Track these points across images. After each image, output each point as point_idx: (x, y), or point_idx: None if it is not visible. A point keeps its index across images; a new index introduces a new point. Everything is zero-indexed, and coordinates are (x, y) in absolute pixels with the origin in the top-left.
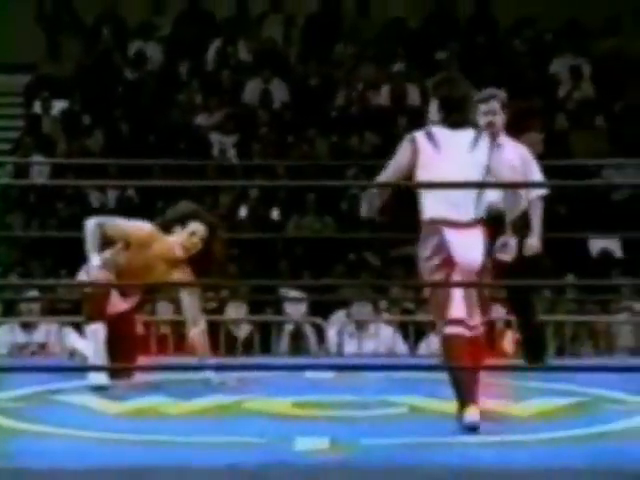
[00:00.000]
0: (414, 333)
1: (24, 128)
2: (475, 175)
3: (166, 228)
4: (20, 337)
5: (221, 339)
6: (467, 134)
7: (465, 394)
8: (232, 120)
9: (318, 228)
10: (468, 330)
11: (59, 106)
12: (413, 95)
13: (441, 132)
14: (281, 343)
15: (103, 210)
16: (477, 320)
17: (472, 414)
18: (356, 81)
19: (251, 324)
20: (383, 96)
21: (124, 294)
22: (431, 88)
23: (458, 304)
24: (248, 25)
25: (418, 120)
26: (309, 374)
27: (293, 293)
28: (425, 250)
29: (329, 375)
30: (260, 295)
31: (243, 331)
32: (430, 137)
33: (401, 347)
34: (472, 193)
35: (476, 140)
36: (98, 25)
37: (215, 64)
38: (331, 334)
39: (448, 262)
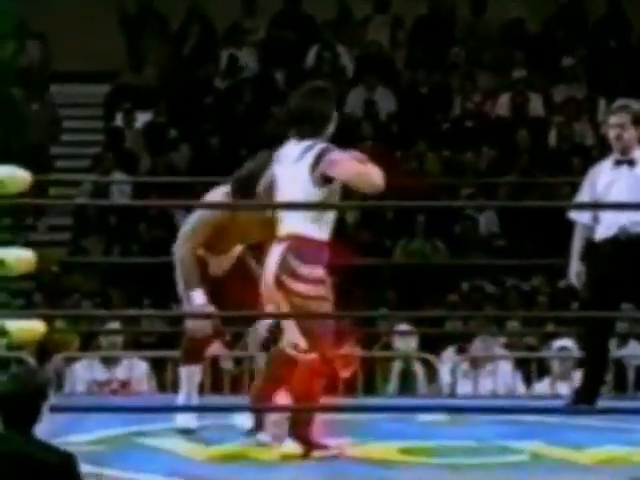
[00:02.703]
0: (537, 371)
1: (104, 143)
2: (296, 188)
3: None
4: (100, 373)
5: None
6: (301, 146)
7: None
8: (333, 133)
9: (428, 253)
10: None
11: (142, 118)
12: (535, 105)
13: (288, 145)
14: (388, 382)
15: None
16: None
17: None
18: (471, 89)
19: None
20: (502, 106)
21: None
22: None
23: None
24: (351, 28)
25: (540, 132)
26: (419, 417)
27: (401, 326)
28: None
29: (441, 418)
30: (364, 328)
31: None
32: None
33: (521, 387)
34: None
35: (305, 152)
36: (185, 29)
37: (314, 71)
38: (443, 372)
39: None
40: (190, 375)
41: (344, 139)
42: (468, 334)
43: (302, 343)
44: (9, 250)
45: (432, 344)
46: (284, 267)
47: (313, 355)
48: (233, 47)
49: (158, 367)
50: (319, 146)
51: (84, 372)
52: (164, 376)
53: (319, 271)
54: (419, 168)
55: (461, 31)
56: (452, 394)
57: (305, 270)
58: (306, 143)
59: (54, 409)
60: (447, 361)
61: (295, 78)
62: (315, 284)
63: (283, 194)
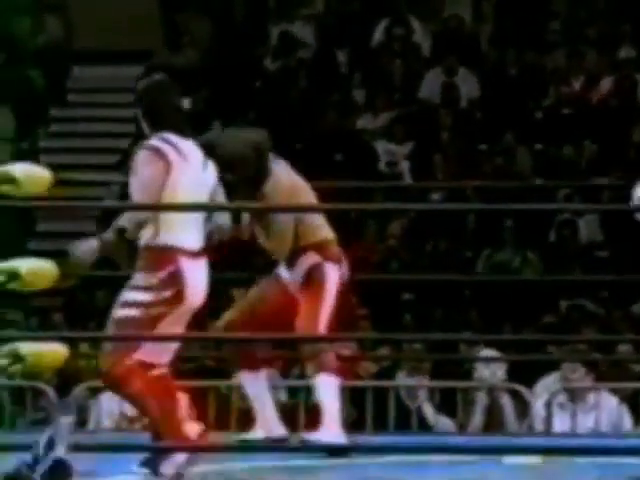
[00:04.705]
0: None
1: (135, 134)
2: (205, 195)
3: None
4: (129, 406)
5: (390, 411)
6: (195, 146)
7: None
8: (405, 124)
9: (518, 266)
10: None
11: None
12: None
13: (178, 140)
14: (470, 417)
15: None
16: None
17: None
18: (569, 72)
19: (430, 392)
20: (605, 91)
21: None
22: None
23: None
24: None
25: None
26: (507, 459)
27: (486, 352)
28: (152, 279)
29: (534, 460)
30: (442, 354)
31: (419, 401)
32: (172, 145)
33: (628, 423)
34: (202, 216)
35: (204, 155)
36: (230, 1)
37: (383, 50)
38: (537, 406)
39: (179, 296)
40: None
41: (418, 131)
42: (565, 361)
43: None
44: (24, 261)
45: (523, 373)
46: None
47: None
48: (286, 22)
49: (198, 399)
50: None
51: (111, 404)
52: (206, 410)
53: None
54: (507, 165)
55: (558, 2)
56: (547, 431)
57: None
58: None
59: (77, 448)
60: (541, 393)
61: (360, 58)
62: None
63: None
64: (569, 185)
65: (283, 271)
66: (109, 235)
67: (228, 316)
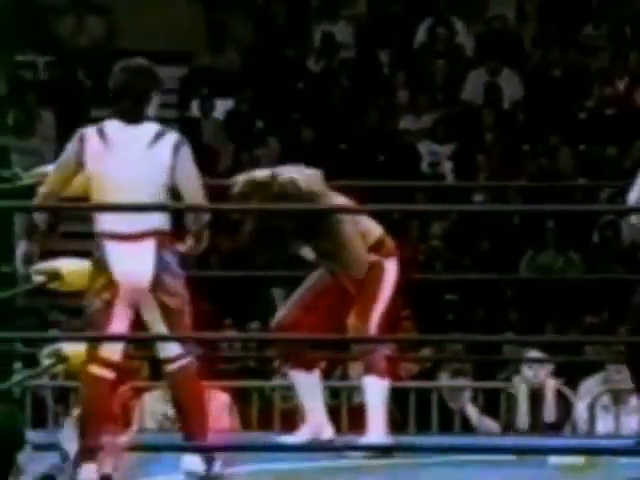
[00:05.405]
0: None
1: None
2: (154, 177)
3: None
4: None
5: (433, 412)
6: (146, 130)
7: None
8: (447, 124)
9: (560, 267)
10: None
11: (223, 107)
12: None
13: (113, 126)
14: (514, 418)
15: None
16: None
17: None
18: (614, 72)
19: (473, 392)
20: None
21: None
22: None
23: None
24: None
25: None
26: (552, 459)
27: (530, 353)
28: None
29: (578, 460)
30: (484, 356)
31: (461, 402)
32: (101, 133)
33: None
34: (147, 199)
35: (157, 137)
36: (272, 2)
37: (425, 50)
38: (580, 407)
39: (112, 282)
40: (302, 383)
41: (461, 131)
42: (609, 362)
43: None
44: (65, 261)
45: (569, 374)
46: (162, 266)
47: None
48: (328, 22)
49: (241, 399)
50: (173, 137)
51: (154, 405)
52: (249, 410)
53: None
54: (551, 165)
55: (602, 2)
56: (590, 432)
57: (176, 266)
58: (151, 127)
59: (120, 448)
60: (584, 394)
61: (402, 59)
62: (182, 281)
63: (128, 179)
64: (612, 186)
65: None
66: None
67: (281, 314)
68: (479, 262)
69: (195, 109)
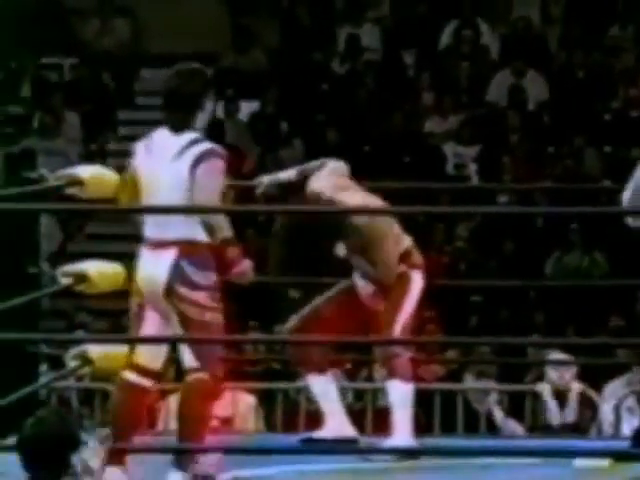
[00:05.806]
0: None
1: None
2: (176, 188)
3: None
4: None
5: (459, 414)
6: (180, 140)
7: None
8: (473, 126)
9: (586, 268)
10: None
11: (247, 108)
12: None
13: (158, 135)
14: (540, 420)
15: None
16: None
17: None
18: (639, 74)
19: (498, 394)
20: None
21: None
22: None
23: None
24: (495, 1)
25: None
26: (577, 462)
27: (555, 355)
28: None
29: (602, 463)
30: (509, 358)
31: (487, 404)
32: (148, 141)
33: None
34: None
35: (185, 149)
36: (297, 4)
37: (450, 52)
38: (605, 409)
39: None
40: (316, 386)
41: (486, 133)
42: (634, 364)
43: (194, 364)
44: (92, 263)
45: (594, 376)
46: (178, 274)
47: (204, 375)
48: (353, 25)
49: (266, 401)
50: (199, 149)
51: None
52: (274, 412)
53: (213, 277)
54: (576, 167)
55: (627, 3)
56: (615, 435)
57: (201, 277)
58: (188, 136)
59: (146, 450)
60: (609, 397)
61: (427, 61)
62: (211, 292)
63: (156, 189)
64: None
65: (358, 279)
66: None
67: (296, 319)
68: (504, 263)
69: (220, 110)
